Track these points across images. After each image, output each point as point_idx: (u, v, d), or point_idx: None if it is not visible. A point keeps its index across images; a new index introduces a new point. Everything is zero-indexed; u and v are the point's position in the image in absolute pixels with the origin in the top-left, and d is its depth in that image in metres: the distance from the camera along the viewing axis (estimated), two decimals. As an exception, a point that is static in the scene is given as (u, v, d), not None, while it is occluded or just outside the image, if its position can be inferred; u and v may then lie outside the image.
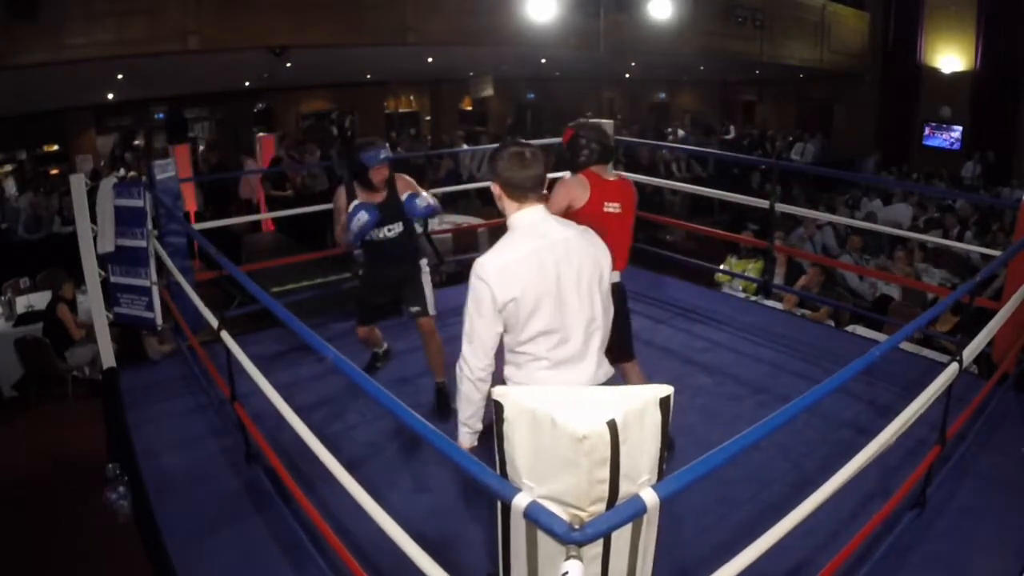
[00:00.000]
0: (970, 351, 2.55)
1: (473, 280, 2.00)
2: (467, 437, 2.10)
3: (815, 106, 16.24)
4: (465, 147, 12.24)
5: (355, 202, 3.38)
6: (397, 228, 3.50)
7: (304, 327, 2.21)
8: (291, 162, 10.94)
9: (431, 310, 3.55)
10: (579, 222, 2.27)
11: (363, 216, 3.31)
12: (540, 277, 2.01)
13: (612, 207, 3.00)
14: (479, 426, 2.09)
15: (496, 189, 2.10)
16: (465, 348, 2.05)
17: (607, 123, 3.08)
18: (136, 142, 13.34)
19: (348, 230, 3.35)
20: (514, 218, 2.08)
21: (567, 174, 3.15)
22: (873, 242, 8.15)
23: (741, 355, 4.23)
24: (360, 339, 3.82)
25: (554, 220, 2.11)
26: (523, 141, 2.15)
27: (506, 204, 2.09)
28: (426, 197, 3.51)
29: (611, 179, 3.05)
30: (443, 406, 3.49)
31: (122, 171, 10.80)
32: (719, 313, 4.81)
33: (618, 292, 2.92)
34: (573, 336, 2.07)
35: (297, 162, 11.01)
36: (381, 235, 3.46)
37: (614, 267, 2.54)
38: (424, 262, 3.66)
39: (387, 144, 3.47)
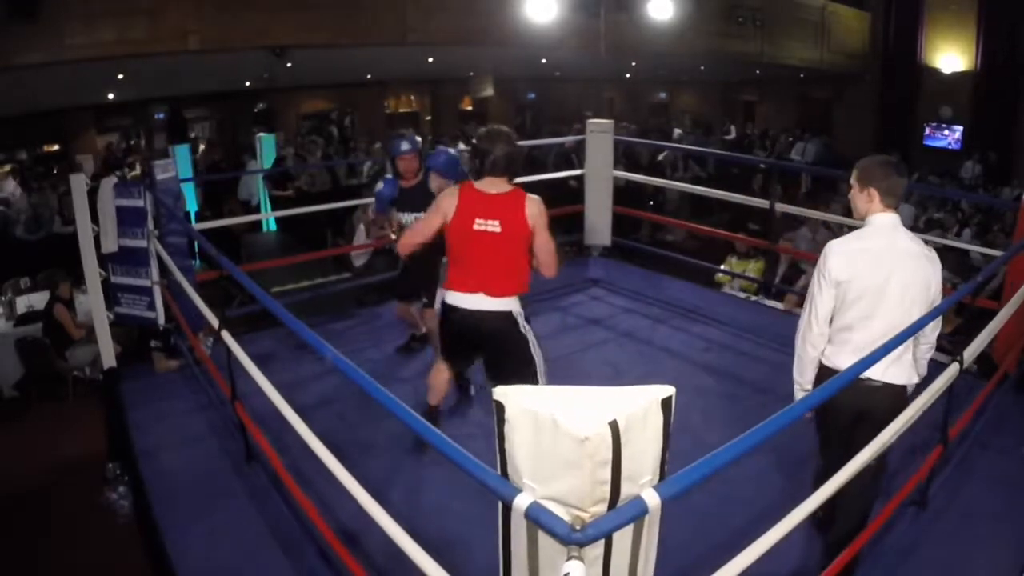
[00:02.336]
0: (971, 351, 2.55)
1: (821, 255, 2.37)
2: (799, 394, 2.48)
3: (815, 106, 16.22)
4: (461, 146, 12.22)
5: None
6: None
7: (304, 327, 2.21)
8: (299, 161, 10.96)
9: (437, 304, 3.70)
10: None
11: (379, 184, 3.89)
12: (872, 272, 2.26)
13: (486, 224, 2.71)
14: (809, 387, 2.45)
15: (860, 189, 2.37)
16: (804, 314, 2.43)
17: (504, 130, 2.71)
18: (132, 142, 13.32)
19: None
20: (873, 217, 2.34)
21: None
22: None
23: (741, 355, 4.23)
24: (397, 316, 4.28)
25: (904, 230, 2.33)
26: (889, 156, 2.44)
27: (865, 205, 2.36)
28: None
29: (494, 192, 2.73)
30: (409, 348, 4.21)
31: (126, 170, 10.78)
32: (719, 313, 4.81)
33: (505, 324, 2.81)
34: (882, 334, 2.19)
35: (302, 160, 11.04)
36: (404, 220, 3.87)
37: (492, 292, 2.74)
38: (445, 260, 3.69)
39: (416, 138, 3.76)
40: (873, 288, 2.26)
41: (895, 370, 2.31)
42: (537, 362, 2.86)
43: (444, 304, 2.89)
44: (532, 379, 2.80)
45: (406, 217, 3.87)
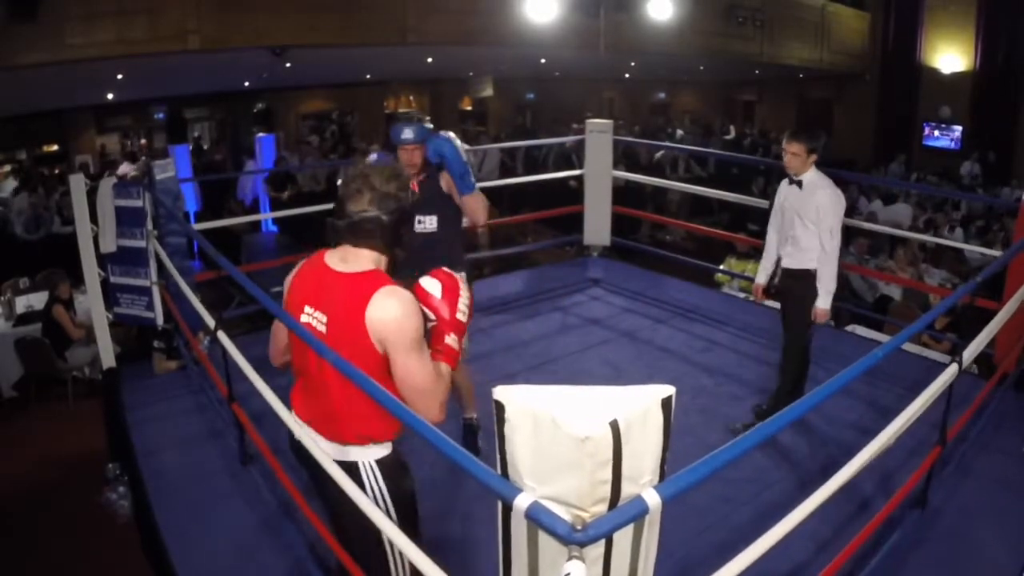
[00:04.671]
0: (970, 352, 2.55)
1: (840, 201, 3.21)
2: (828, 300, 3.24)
3: (815, 106, 16.23)
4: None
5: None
6: (430, 223, 2.92)
7: (303, 327, 2.21)
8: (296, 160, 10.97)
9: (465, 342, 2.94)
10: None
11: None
12: None
13: (312, 316, 1.79)
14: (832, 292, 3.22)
15: (808, 155, 3.23)
16: (837, 241, 3.20)
17: (387, 173, 1.80)
18: (128, 143, 13.33)
19: None
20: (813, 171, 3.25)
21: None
22: (874, 243, 8.15)
23: (741, 355, 4.23)
24: None
25: None
26: None
27: (808, 165, 3.21)
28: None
29: (340, 270, 1.77)
30: (472, 446, 3.05)
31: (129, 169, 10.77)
32: (719, 313, 4.81)
33: (342, 480, 1.78)
34: None
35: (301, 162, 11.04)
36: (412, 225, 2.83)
37: (321, 429, 1.83)
38: (461, 277, 3.09)
39: (417, 123, 2.82)
40: None
41: None
42: (391, 550, 1.81)
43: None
44: (382, 570, 1.85)
45: (415, 222, 2.91)
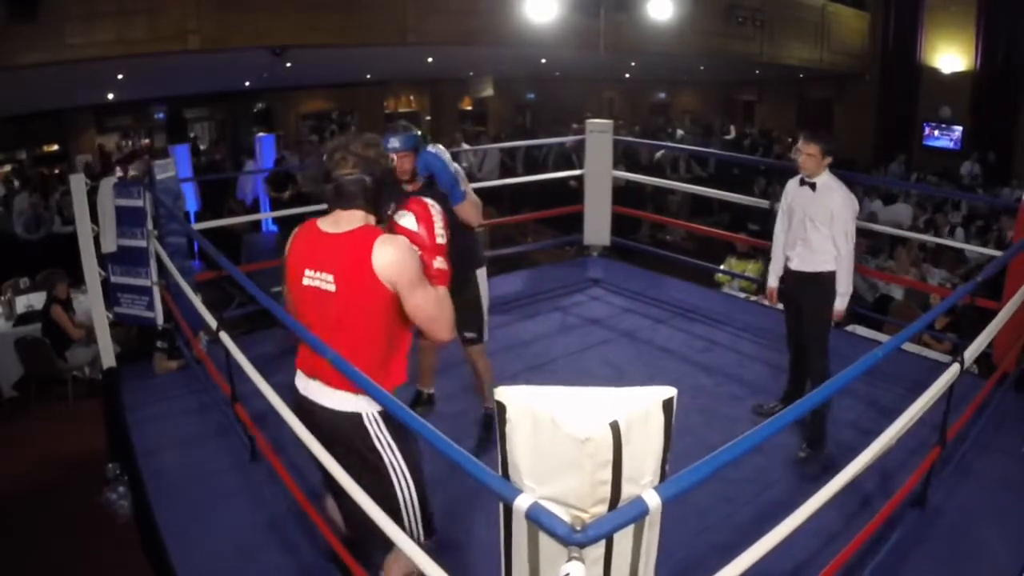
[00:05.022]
0: (971, 352, 2.55)
1: (853, 205, 3.16)
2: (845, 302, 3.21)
3: (815, 106, 16.22)
4: (465, 146, 12.25)
5: None
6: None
7: (303, 327, 2.21)
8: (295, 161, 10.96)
9: (486, 335, 3.17)
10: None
11: None
12: None
13: (315, 278, 1.90)
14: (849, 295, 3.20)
15: (823, 157, 3.18)
16: (852, 245, 3.15)
17: (363, 140, 1.93)
18: (126, 143, 13.34)
19: None
20: (827, 173, 3.23)
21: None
22: (874, 243, 8.16)
23: (741, 355, 4.23)
24: (421, 365, 3.43)
25: None
26: None
27: (822, 167, 3.19)
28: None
29: (333, 232, 1.90)
30: (490, 436, 3.09)
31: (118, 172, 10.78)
32: (719, 313, 4.81)
33: (348, 428, 1.93)
34: None
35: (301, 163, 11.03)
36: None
37: (328, 381, 1.91)
38: (481, 272, 3.16)
39: (404, 132, 2.83)
40: None
41: None
42: (402, 494, 1.95)
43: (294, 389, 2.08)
44: (396, 516, 1.89)
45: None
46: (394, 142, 2.78)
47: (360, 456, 1.92)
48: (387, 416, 1.90)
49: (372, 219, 1.92)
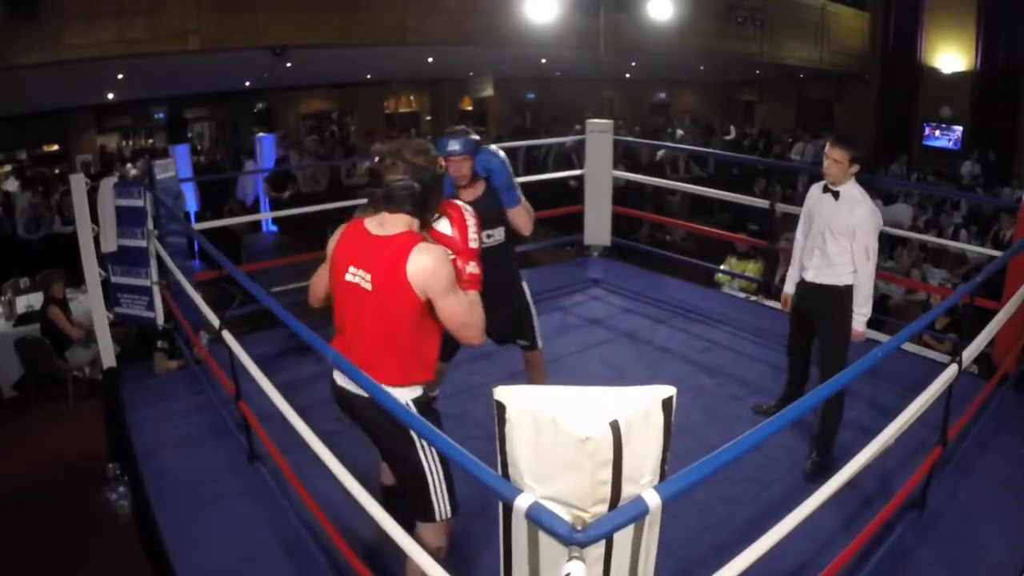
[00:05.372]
0: (970, 352, 2.55)
1: (876, 220, 2.96)
2: (863, 322, 3.04)
3: (815, 106, 16.22)
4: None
5: None
6: (498, 235, 2.92)
7: (304, 327, 2.21)
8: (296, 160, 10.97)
9: (540, 342, 3.13)
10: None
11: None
12: None
13: (356, 275, 1.98)
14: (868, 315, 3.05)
15: (850, 164, 2.96)
16: (872, 260, 2.97)
17: (414, 146, 1.99)
18: (126, 143, 13.34)
19: None
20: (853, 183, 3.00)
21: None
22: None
23: (741, 355, 4.23)
24: None
25: None
26: None
27: (849, 176, 2.96)
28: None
29: (377, 233, 1.97)
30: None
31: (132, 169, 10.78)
32: (719, 313, 4.81)
33: (381, 420, 2.01)
34: None
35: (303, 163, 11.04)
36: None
37: (379, 376, 1.93)
38: (526, 284, 3.16)
39: (464, 136, 2.75)
40: None
41: None
42: (433, 484, 2.02)
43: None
44: (426, 506, 2.03)
45: (488, 236, 2.86)
46: (453, 145, 2.73)
47: (392, 442, 2.05)
48: (419, 404, 2.03)
49: (416, 223, 2.00)
